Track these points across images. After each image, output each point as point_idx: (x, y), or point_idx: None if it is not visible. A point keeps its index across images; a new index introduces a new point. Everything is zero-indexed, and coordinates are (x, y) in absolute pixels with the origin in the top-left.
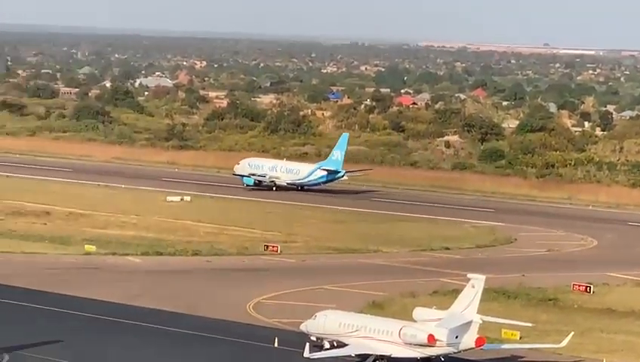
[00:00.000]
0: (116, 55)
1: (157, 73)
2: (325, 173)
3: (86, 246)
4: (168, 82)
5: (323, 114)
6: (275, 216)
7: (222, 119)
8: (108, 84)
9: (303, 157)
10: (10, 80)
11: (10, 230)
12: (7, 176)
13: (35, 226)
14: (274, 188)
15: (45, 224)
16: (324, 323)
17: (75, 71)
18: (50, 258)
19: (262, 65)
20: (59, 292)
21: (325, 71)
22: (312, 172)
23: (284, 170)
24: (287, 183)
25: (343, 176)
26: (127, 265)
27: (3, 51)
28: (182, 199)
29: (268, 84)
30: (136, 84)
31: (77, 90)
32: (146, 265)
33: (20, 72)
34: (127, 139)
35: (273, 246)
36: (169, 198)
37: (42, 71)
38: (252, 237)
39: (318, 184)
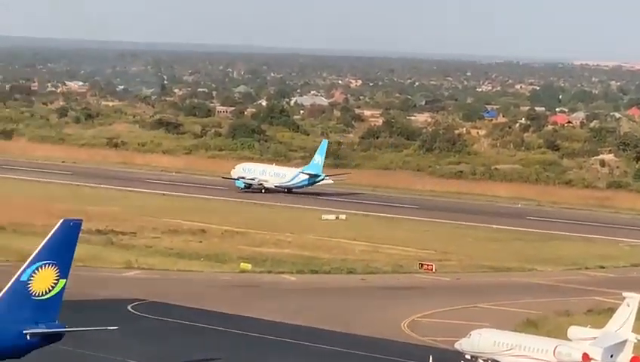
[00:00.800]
0: (272, 74)
1: (312, 92)
2: (307, 176)
3: (241, 264)
4: (324, 101)
5: (478, 132)
6: (430, 234)
7: (377, 137)
8: (264, 102)
9: (458, 176)
10: (167, 99)
11: (167, 248)
12: (164, 194)
13: (191, 244)
14: (262, 191)
15: (201, 242)
16: (479, 341)
17: (231, 89)
18: (206, 276)
19: (417, 83)
20: (215, 310)
21: (480, 89)
22: (296, 176)
23: (272, 174)
24: (275, 186)
25: (323, 180)
26: (282, 283)
27: (159, 70)
28: (337, 217)
29: (423, 103)
30: (292, 103)
31: (233, 108)
32: (301, 283)
33: (176, 90)
34: (283, 158)
35: (428, 265)
36: (324, 216)
37: (198, 89)
38: (407, 255)
39: (302, 186)
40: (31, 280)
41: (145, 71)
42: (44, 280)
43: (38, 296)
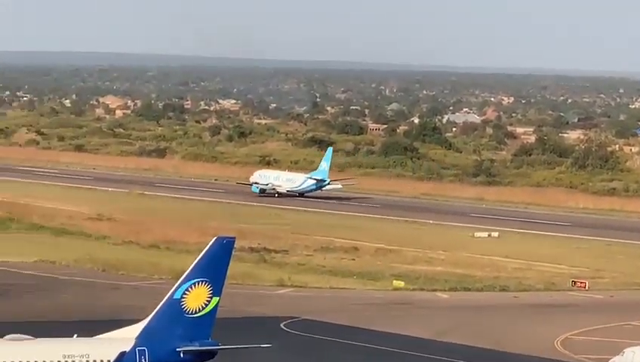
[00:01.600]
0: (424, 91)
1: (465, 109)
2: (314, 181)
3: (394, 281)
4: (476, 118)
5: (631, 149)
6: (582, 251)
7: (530, 155)
8: (416, 120)
9: (610, 193)
10: (319, 116)
11: (320, 265)
12: (316, 211)
13: (343, 262)
14: (276, 195)
15: (354, 259)
16: (633, 359)
17: (383, 107)
18: (359, 293)
19: (569, 100)
20: (368, 328)
21: (633, 106)
22: (304, 181)
23: (284, 180)
24: (287, 191)
25: (328, 184)
26: (434, 300)
27: (312, 88)
28: (489, 235)
29: (575, 120)
30: (444, 120)
31: (385, 126)
32: (453, 301)
33: (328, 108)
34: (435, 175)
35: (581, 282)
36: (477, 234)
37: (351, 107)
38: (559, 272)
39: (311, 191)
40: (184, 297)
41: (297, 89)
42: (197, 298)
43: (192, 313)
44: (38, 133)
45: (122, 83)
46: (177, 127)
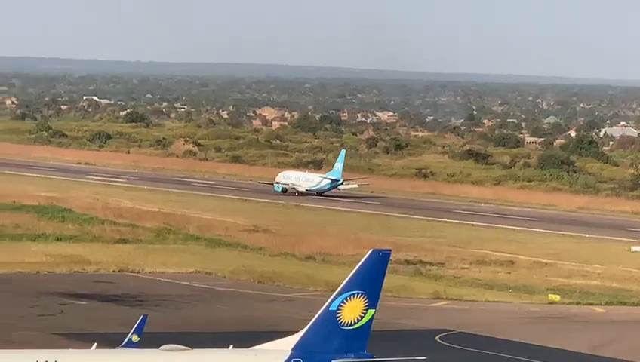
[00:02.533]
0: (581, 104)
1: (622, 123)
2: (329, 181)
3: (550, 295)
4: (633, 132)
5: None
6: None
7: None
8: (572, 133)
9: None
10: (476, 129)
11: (475, 278)
12: (473, 225)
13: (499, 275)
14: (296, 194)
15: (509, 273)
16: None
17: (540, 120)
18: (514, 307)
19: None
20: (522, 341)
21: None
22: (321, 181)
23: (304, 180)
24: (306, 190)
25: (341, 184)
26: (590, 314)
27: (468, 101)
28: None
29: None
30: (601, 134)
31: (542, 139)
32: (609, 315)
33: (485, 121)
34: (592, 189)
35: None
36: (633, 248)
37: (507, 120)
38: None
39: (327, 190)
40: (340, 309)
41: (454, 101)
42: (353, 310)
43: (347, 325)
44: (196, 144)
45: (279, 95)
46: (334, 139)
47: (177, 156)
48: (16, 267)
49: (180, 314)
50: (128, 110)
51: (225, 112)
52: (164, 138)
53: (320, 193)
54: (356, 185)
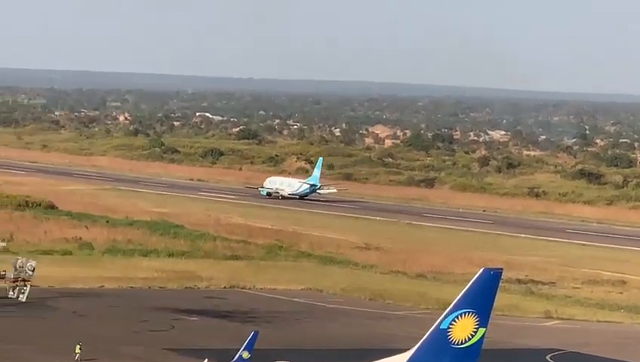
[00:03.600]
0: None
1: None
2: (308, 186)
3: None
4: None
5: None
6: None
7: None
8: None
9: None
10: (588, 149)
11: (586, 298)
12: (584, 244)
13: (610, 295)
14: (280, 198)
15: (621, 293)
16: None
17: None
18: (627, 327)
19: None
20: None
21: None
22: (301, 186)
23: (286, 185)
24: (289, 194)
25: (319, 188)
26: None
27: (581, 120)
28: None
29: None
30: None
31: None
32: None
33: (597, 140)
34: None
35: None
36: None
37: (620, 140)
38: None
39: (307, 194)
40: (451, 328)
41: (566, 121)
42: (463, 329)
43: (458, 344)
44: (308, 161)
45: (392, 112)
46: (446, 158)
47: (289, 173)
48: (129, 282)
49: (290, 331)
50: (241, 127)
51: (337, 130)
52: (276, 155)
53: (302, 197)
54: (335, 190)
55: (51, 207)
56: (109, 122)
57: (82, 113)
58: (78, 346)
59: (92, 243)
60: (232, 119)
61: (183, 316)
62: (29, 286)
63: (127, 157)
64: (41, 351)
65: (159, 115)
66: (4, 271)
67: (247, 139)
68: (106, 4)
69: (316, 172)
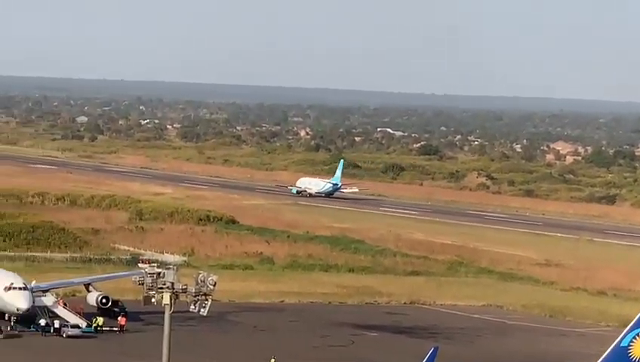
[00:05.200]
0: None
1: None
2: (331, 185)
3: None
4: None
5: None
6: None
7: None
8: None
9: None
10: None
11: None
12: None
13: None
14: (308, 196)
15: None
16: None
17: None
18: None
19: None
20: None
21: None
22: (325, 185)
23: (314, 184)
24: (315, 192)
25: (340, 188)
26: None
27: None
28: None
29: None
30: None
31: None
32: None
33: None
34: None
35: None
36: None
37: None
38: None
39: (330, 192)
40: (631, 346)
41: None
42: None
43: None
44: (489, 177)
45: (573, 129)
46: (627, 174)
47: (470, 189)
48: (309, 297)
49: (470, 348)
50: (422, 143)
51: (518, 146)
52: (457, 171)
53: (328, 194)
54: (357, 189)
55: (232, 221)
56: (290, 137)
57: (263, 128)
58: (273, 360)
59: (273, 257)
60: (413, 135)
61: (363, 331)
62: (210, 300)
63: (309, 173)
64: None
65: (340, 130)
66: (186, 285)
67: (428, 154)
68: (288, 21)
69: (338, 173)
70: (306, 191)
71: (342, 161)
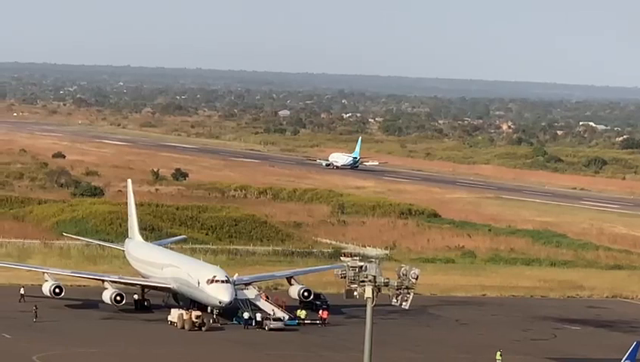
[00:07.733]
0: None
1: None
2: (352, 159)
3: None
4: None
5: None
6: None
7: None
8: None
9: None
10: None
11: None
12: None
13: None
14: (334, 168)
15: None
16: None
17: None
18: None
19: None
20: None
21: None
22: (347, 159)
23: (338, 158)
24: (341, 165)
25: (359, 161)
26: None
27: None
28: None
29: None
30: None
31: None
32: None
33: None
34: None
35: None
36: None
37: None
38: None
39: (352, 165)
40: None
41: None
42: None
43: None
44: None
45: None
46: None
47: None
48: (510, 291)
49: None
50: (625, 136)
51: None
52: None
53: (353, 167)
54: (377, 163)
55: (434, 215)
56: (492, 131)
57: (465, 121)
58: (499, 353)
59: (474, 251)
60: (615, 128)
61: (566, 325)
62: (411, 293)
63: (510, 166)
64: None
65: (542, 123)
66: (388, 278)
67: (631, 148)
68: (488, 17)
69: (357, 148)
70: (332, 164)
71: (360, 138)
